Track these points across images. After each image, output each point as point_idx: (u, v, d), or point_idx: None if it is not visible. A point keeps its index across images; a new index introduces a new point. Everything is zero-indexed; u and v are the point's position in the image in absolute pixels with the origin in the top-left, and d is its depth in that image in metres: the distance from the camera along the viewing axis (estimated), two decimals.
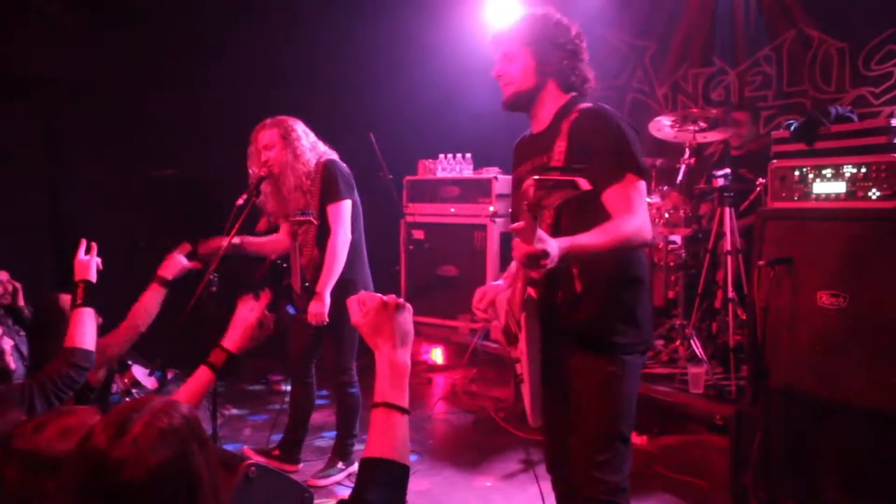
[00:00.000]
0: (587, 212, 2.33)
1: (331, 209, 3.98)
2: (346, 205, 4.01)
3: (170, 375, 5.34)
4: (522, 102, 2.60)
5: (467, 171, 6.36)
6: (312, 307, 3.89)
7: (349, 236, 4.00)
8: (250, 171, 4.10)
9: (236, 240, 3.92)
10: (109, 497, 1.23)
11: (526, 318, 2.39)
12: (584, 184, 1.88)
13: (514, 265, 2.73)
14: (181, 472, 1.27)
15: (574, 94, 2.58)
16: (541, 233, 2.04)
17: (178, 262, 3.59)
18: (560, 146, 2.43)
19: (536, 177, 1.91)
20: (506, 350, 2.64)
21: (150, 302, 3.53)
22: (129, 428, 1.25)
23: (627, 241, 2.30)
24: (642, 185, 2.38)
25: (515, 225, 2.04)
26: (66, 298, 4.59)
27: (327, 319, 3.89)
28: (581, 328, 2.45)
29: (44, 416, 1.62)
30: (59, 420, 1.62)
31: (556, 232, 2.33)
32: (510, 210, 2.97)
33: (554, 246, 2.07)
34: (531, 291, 2.40)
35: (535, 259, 2.04)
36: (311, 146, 4.07)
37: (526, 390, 2.46)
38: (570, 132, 2.43)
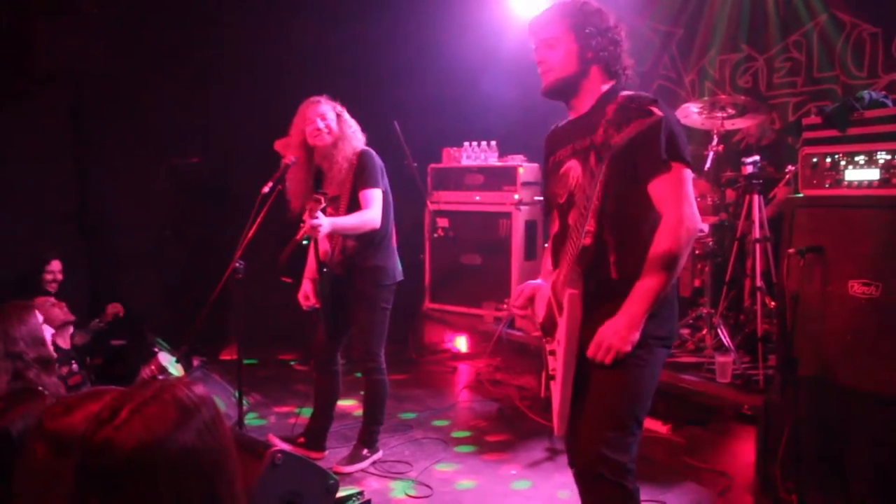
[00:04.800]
0: (631, 199, 2.33)
1: (362, 194, 4.01)
2: (378, 192, 4.03)
3: (195, 362, 5.39)
4: (564, 89, 2.53)
5: (492, 159, 6.33)
6: (316, 220, 3.76)
7: (378, 219, 4.00)
8: (289, 138, 4.12)
9: None
10: (99, 481, 1.23)
11: (569, 298, 2.36)
12: (657, 111, 1.96)
13: (547, 262, 2.71)
14: (170, 457, 1.25)
15: (615, 81, 2.53)
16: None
17: None
18: None
19: (619, 105, 2.00)
20: (540, 342, 2.63)
21: None
22: (118, 414, 1.24)
23: (687, 245, 2.32)
24: (688, 173, 2.35)
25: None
26: (39, 298, 4.69)
27: (318, 234, 3.82)
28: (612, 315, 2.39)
29: (74, 399, 1.63)
30: (88, 403, 1.63)
31: (600, 220, 2.34)
32: (542, 197, 2.90)
33: (634, 334, 2.30)
34: (578, 270, 2.37)
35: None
36: (354, 132, 4.13)
37: (556, 390, 2.44)
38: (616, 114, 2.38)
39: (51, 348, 3.04)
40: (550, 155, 2.67)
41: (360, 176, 4.02)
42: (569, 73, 2.48)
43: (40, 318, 3.11)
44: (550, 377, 2.49)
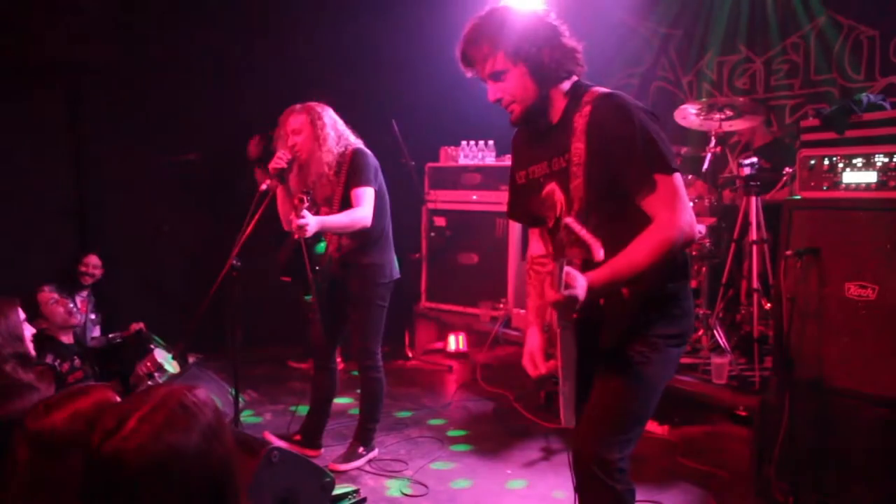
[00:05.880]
0: (620, 213, 2.24)
1: (353, 193, 3.98)
2: (369, 191, 4.01)
3: (191, 360, 5.38)
4: (536, 114, 2.38)
5: (489, 159, 6.34)
6: (302, 220, 3.71)
7: (369, 217, 3.98)
8: (277, 154, 4.10)
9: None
10: (110, 493, 1.22)
11: (561, 333, 2.23)
12: (598, 254, 1.95)
13: (535, 248, 2.67)
14: (181, 464, 1.25)
15: (573, 78, 2.38)
16: (569, 272, 2.07)
17: None
18: (578, 147, 2.27)
19: (571, 222, 1.95)
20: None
21: None
22: (125, 424, 1.24)
23: (669, 248, 2.19)
24: (677, 178, 2.23)
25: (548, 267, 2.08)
26: (43, 295, 4.68)
27: (305, 233, 3.75)
28: (625, 326, 2.34)
29: (58, 396, 1.62)
30: (71, 401, 1.61)
31: (595, 228, 2.17)
32: (509, 209, 2.70)
33: (582, 287, 2.09)
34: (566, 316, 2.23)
35: (563, 307, 2.10)
36: (339, 134, 4.06)
37: (562, 395, 2.36)
38: (588, 131, 2.26)
39: (29, 346, 3.04)
40: (521, 167, 2.55)
41: (353, 175, 4.00)
42: (533, 98, 2.34)
43: (22, 315, 3.12)
44: (554, 381, 2.41)
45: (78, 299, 5.47)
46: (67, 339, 4.83)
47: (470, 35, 2.38)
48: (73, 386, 2.59)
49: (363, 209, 3.96)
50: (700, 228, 4.73)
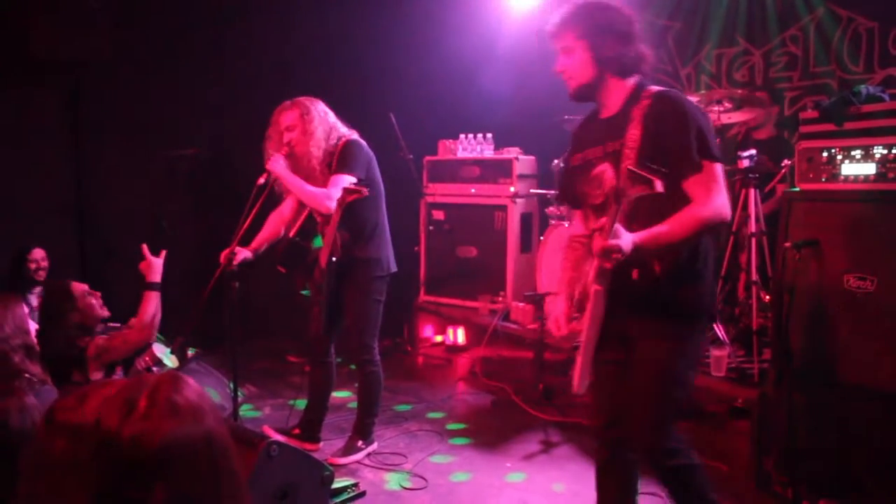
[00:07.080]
0: (662, 201, 2.41)
1: (331, 179, 3.95)
2: (346, 179, 3.93)
3: (190, 354, 5.37)
4: (588, 94, 2.67)
5: (488, 152, 6.32)
6: (268, 163, 3.95)
7: (332, 201, 3.90)
8: (269, 153, 4.09)
9: (248, 254, 4.07)
10: (129, 474, 1.22)
11: (595, 292, 2.49)
12: (659, 186, 2.15)
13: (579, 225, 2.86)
14: (196, 438, 1.25)
15: (637, 77, 2.63)
16: (617, 226, 2.36)
17: (157, 263, 3.65)
18: (633, 133, 2.50)
19: (631, 168, 2.16)
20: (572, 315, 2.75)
21: (151, 309, 3.58)
22: (136, 404, 1.24)
23: (704, 225, 2.46)
24: (719, 168, 2.49)
25: (600, 222, 2.36)
26: (77, 286, 4.64)
27: (270, 167, 3.93)
28: (655, 300, 2.54)
29: (84, 389, 1.61)
30: (100, 391, 1.62)
31: (630, 221, 2.44)
32: (559, 193, 3.10)
33: (628, 240, 2.35)
34: (607, 265, 2.45)
35: (609, 253, 2.33)
36: (329, 128, 4.04)
37: (580, 358, 2.58)
38: (644, 120, 2.50)
39: (34, 339, 3.05)
40: (578, 151, 2.79)
41: (337, 163, 3.98)
42: (587, 79, 2.62)
43: (26, 309, 3.13)
44: (575, 346, 2.63)
45: (33, 297, 5.34)
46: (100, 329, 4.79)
47: (559, 11, 2.66)
48: (102, 381, 2.59)
49: (329, 192, 3.91)
50: None
